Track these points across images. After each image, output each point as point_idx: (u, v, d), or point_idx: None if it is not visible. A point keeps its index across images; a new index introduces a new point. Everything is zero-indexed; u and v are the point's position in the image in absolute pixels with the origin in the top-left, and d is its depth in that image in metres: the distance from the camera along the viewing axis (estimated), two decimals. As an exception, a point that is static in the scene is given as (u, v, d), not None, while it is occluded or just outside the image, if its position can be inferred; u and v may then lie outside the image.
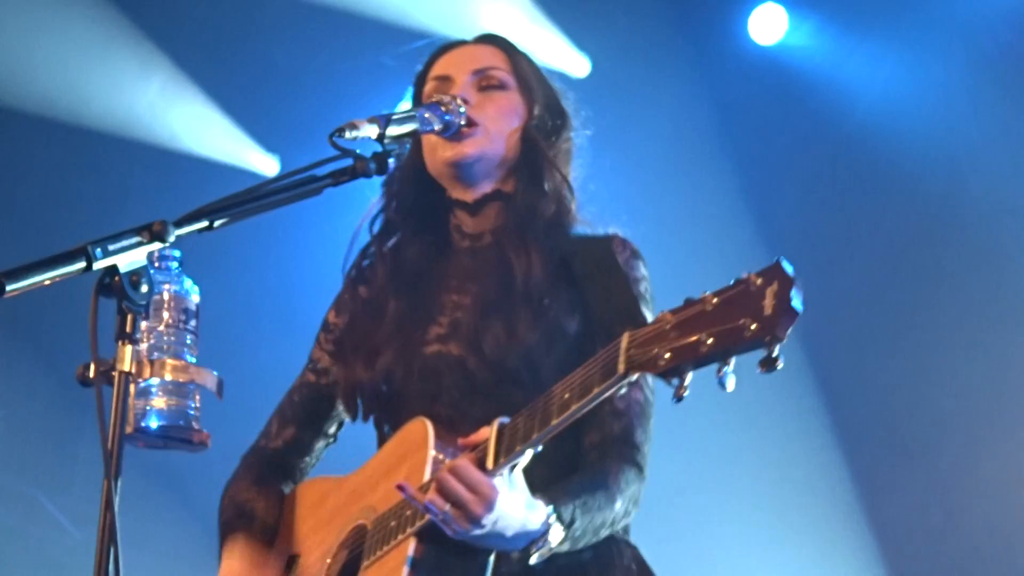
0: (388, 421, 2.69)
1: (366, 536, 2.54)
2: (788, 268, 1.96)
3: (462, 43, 2.87)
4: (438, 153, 2.71)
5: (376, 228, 2.84)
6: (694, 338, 2.00)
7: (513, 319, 2.59)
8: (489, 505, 2.26)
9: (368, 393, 2.70)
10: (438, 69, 2.80)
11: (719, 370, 1.99)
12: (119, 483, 2.00)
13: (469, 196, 2.74)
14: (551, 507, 2.36)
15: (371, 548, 2.49)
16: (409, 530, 2.40)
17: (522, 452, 2.27)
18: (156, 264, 2.30)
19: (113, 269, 2.06)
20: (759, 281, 1.96)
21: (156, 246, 2.11)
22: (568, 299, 2.63)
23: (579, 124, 2.86)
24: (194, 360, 2.29)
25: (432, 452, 2.44)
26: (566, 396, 2.21)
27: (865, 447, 6.00)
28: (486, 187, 2.73)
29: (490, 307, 2.61)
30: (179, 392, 2.24)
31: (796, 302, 1.93)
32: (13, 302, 2.03)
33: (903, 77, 6.05)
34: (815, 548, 5.95)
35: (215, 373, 2.28)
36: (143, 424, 2.23)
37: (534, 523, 2.33)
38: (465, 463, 2.29)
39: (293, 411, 2.87)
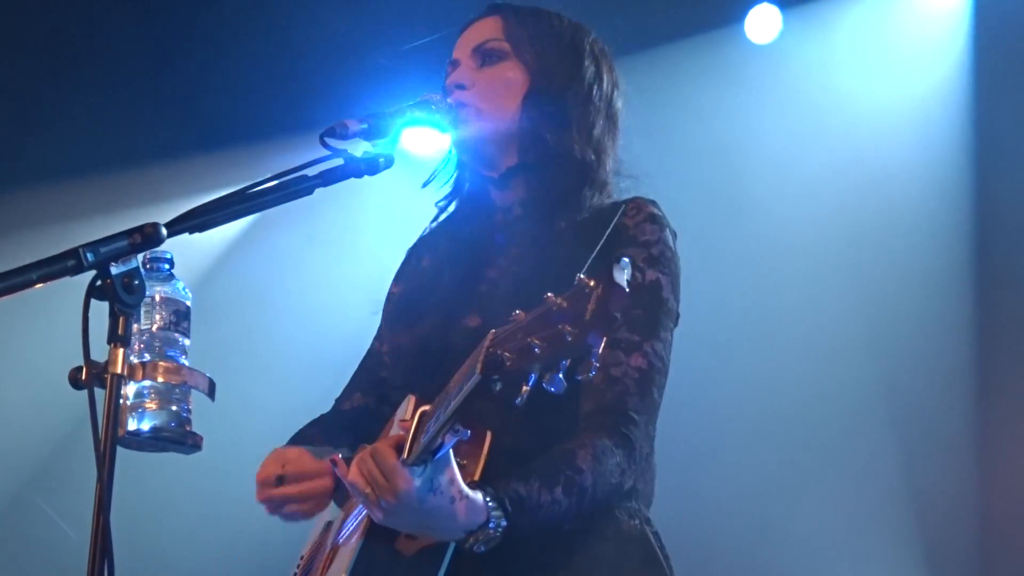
0: (419, 389, 2.62)
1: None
2: (618, 275, 1.90)
3: (472, 21, 2.86)
4: (455, 132, 2.73)
5: (440, 204, 2.89)
6: (530, 341, 1.94)
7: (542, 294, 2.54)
8: (396, 494, 2.20)
9: (407, 358, 2.70)
10: (453, 54, 2.83)
11: (543, 377, 1.94)
12: (112, 485, 2.01)
13: (495, 172, 2.77)
14: (488, 499, 2.28)
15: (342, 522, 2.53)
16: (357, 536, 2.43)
17: (427, 447, 2.18)
18: (147, 266, 2.30)
19: (105, 271, 2.06)
20: (591, 284, 1.91)
21: (147, 248, 2.12)
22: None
23: (597, 66, 2.80)
24: (186, 362, 2.29)
25: (396, 424, 2.44)
26: (450, 390, 2.14)
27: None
28: (509, 161, 2.74)
29: (521, 282, 2.58)
30: (171, 394, 2.24)
31: (614, 307, 1.87)
32: (4, 304, 2.04)
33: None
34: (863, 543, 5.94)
35: (207, 375, 2.28)
36: (135, 426, 2.23)
37: (471, 518, 2.26)
38: (384, 447, 2.24)
39: (359, 378, 2.92)
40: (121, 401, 2.08)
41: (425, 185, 2.89)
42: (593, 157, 2.71)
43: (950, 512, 5.82)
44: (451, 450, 2.22)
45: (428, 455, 2.20)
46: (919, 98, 6.03)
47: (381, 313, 2.94)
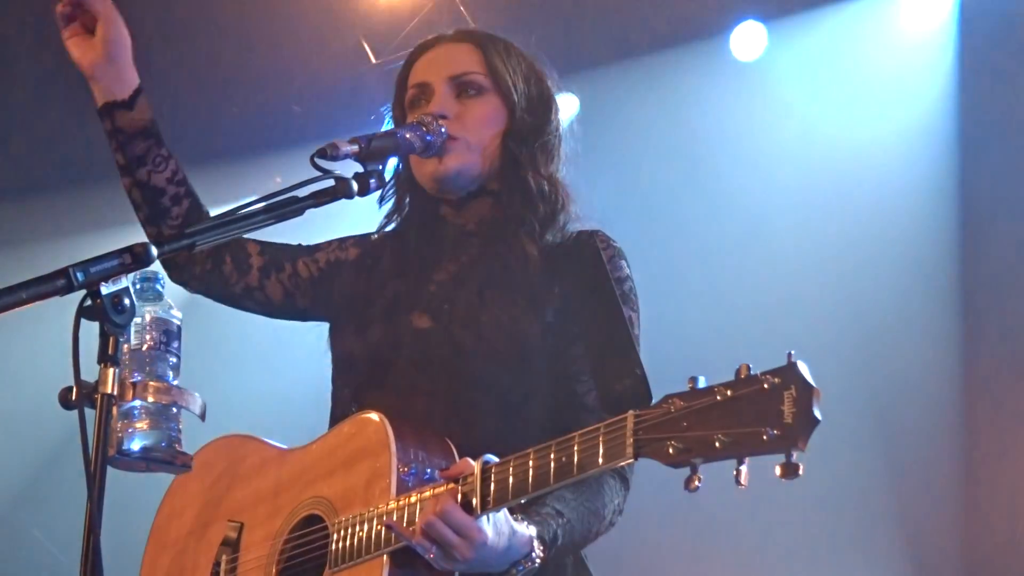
0: (366, 394, 2.66)
1: (323, 534, 2.51)
2: (805, 373, 1.93)
3: (439, 40, 2.86)
4: (421, 168, 2.74)
5: (382, 208, 2.88)
6: (707, 435, 1.96)
7: (507, 304, 2.62)
8: (477, 548, 2.29)
9: (359, 361, 2.71)
10: (417, 74, 2.81)
11: (735, 469, 1.96)
12: (103, 505, 2.01)
13: (454, 196, 2.77)
14: (534, 531, 2.39)
15: (337, 556, 2.46)
16: (384, 548, 2.39)
17: (505, 503, 2.28)
18: (138, 286, 2.30)
19: (95, 291, 2.06)
20: (776, 382, 1.93)
21: (137, 268, 2.13)
22: (554, 294, 2.64)
23: (562, 108, 2.86)
24: (177, 382, 2.29)
25: (395, 461, 2.42)
26: (563, 461, 2.19)
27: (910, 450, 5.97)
28: (472, 186, 2.75)
29: (483, 291, 2.64)
30: (162, 414, 2.24)
31: (816, 411, 1.90)
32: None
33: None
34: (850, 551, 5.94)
35: (197, 395, 2.28)
36: (126, 446, 2.22)
37: (517, 550, 2.36)
38: (452, 507, 2.28)
39: (273, 249, 2.89)
40: (111, 421, 2.08)
41: (381, 204, 2.88)
42: (555, 188, 2.76)
43: (935, 514, 5.83)
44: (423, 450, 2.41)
45: (492, 510, 2.30)
46: (903, 116, 6.06)
47: (324, 244, 2.93)
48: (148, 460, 2.24)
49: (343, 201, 2.39)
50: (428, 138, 2.59)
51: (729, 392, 1.97)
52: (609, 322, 2.48)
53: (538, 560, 2.39)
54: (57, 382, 2.10)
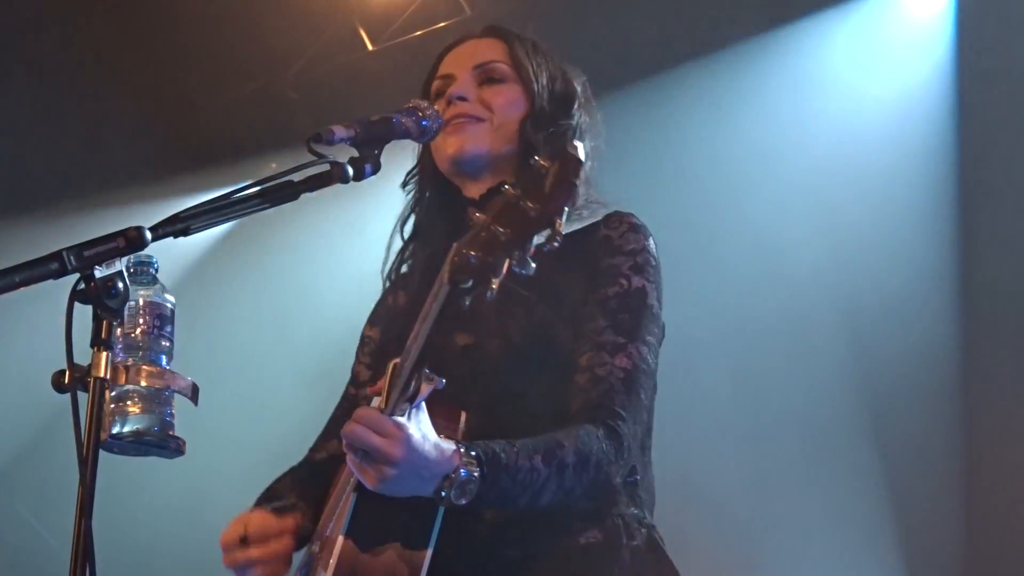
0: None
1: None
2: (575, 149, 1.96)
3: (467, 37, 2.90)
4: (442, 150, 2.76)
5: (407, 232, 2.88)
6: (496, 233, 1.97)
7: (533, 309, 2.58)
8: (402, 444, 2.19)
9: None
10: (443, 68, 2.85)
11: (513, 260, 1.96)
12: (95, 489, 2.01)
13: (476, 191, 2.78)
14: (457, 446, 2.28)
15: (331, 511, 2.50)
16: (349, 488, 2.39)
17: (405, 384, 2.19)
18: (131, 270, 2.29)
19: (88, 275, 2.06)
20: (545, 162, 1.97)
21: (131, 252, 2.12)
22: (571, 283, 2.62)
23: (587, 107, 2.86)
24: (170, 366, 2.29)
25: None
26: (420, 319, 2.16)
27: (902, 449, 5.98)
28: (491, 181, 2.76)
29: (506, 299, 2.51)
30: (155, 398, 2.23)
31: (575, 177, 1.95)
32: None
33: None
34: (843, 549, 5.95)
35: (190, 379, 2.27)
36: (118, 430, 2.22)
37: (443, 460, 2.25)
38: (367, 409, 2.25)
39: (336, 424, 2.86)
40: (104, 405, 2.08)
41: (404, 186, 2.89)
42: (587, 178, 2.73)
43: (931, 513, 5.84)
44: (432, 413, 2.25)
45: (406, 403, 2.21)
46: (902, 103, 6.06)
47: (358, 359, 2.93)
48: (141, 444, 2.23)
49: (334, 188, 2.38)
50: (423, 123, 2.57)
51: (513, 187, 1.99)
52: (609, 288, 2.55)
53: (471, 477, 2.25)
54: (50, 365, 2.10)
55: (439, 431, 2.31)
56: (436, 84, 2.84)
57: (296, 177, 2.35)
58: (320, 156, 2.35)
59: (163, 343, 2.29)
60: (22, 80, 6.47)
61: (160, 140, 7.05)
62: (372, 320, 2.94)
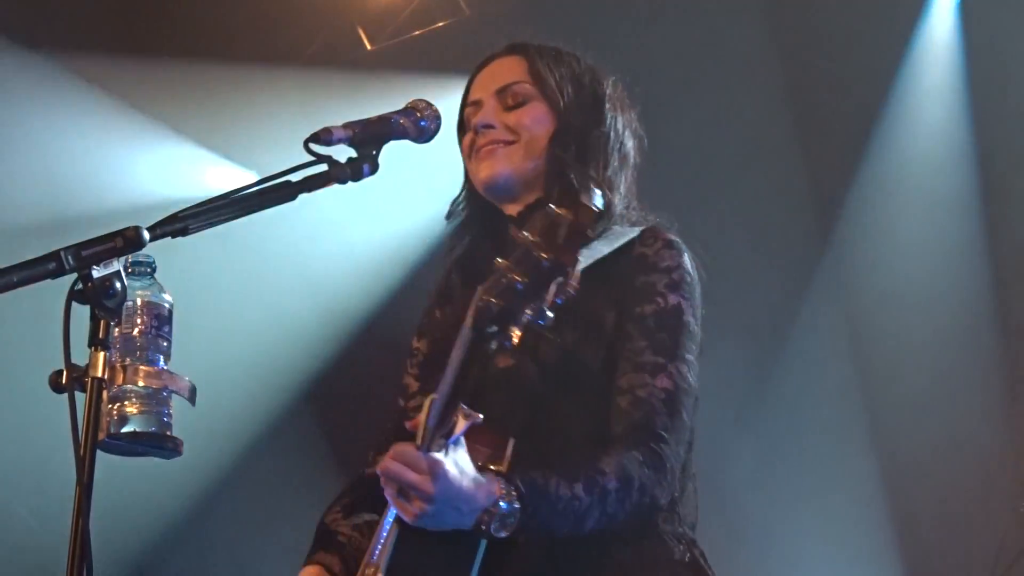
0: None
1: None
2: (590, 200, 2.03)
3: (491, 58, 2.89)
4: (476, 176, 2.78)
5: (455, 253, 2.89)
6: (511, 279, 2.03)
7: (570, 335, 2.56)
8: (438, 480, 2.20)
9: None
10: (471, 94, 2.86)
11: (532, 311, 2.04)
12: (92, 489, 2.01)
13: (514, 210, 2.79)
14: (499, 477, 2.29)
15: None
16: (391, 519, 2.39)
17: (440, 421, 2.21)
18: (129, 270, 2.29)
19: (86, 275, 2.06)
20: (558, 211, 2.03)
21: (129, 252, 2.12)
22: (606, 299, 2.61)
23: (615, 109, 2.83)
24: (167, 366, 2.29)
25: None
26: (452, 360, 2.20)
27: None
28: (529, 198, 2.77)
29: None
30: (152, 398, 2.23)
31: (589, 226, 2.02)
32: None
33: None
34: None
35: (188, 379, 2.27)
36: (115, 430, 2.21)
37: (482, 494, 2.25)
38: (403, 445, 2.26)
39: (386, 437, 2.81)
40: (101, 405, 2.08)
41: (449, 218, 2.91)
42: (608, 196, 2.72)
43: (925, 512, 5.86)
44: (464, 439, 2.26)
45: (442, 439, 2.23)
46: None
47: (404, 371, 2.94)
48: (138, 444, 2.23)
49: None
50: (422, 123, 2.57)
51: (531, 233, 2.05)
52: (645, 306, 2.55)
53: (512, 510, 2.27)
54: (48, 365, 2.10)
55: (486, 459, 2.34)
56: (467, 111, 2.86)
57: (294, 177, 2.35)
58: (318, 156, 2.35)
59: (161, 343, 2.29)
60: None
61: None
62: (419, 332, 2.94)
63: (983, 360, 5.99)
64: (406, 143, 2.51)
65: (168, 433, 2.24)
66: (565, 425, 2.49)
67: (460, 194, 2.90)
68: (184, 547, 6.58)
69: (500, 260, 2.07)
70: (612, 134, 2.80)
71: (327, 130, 2.38)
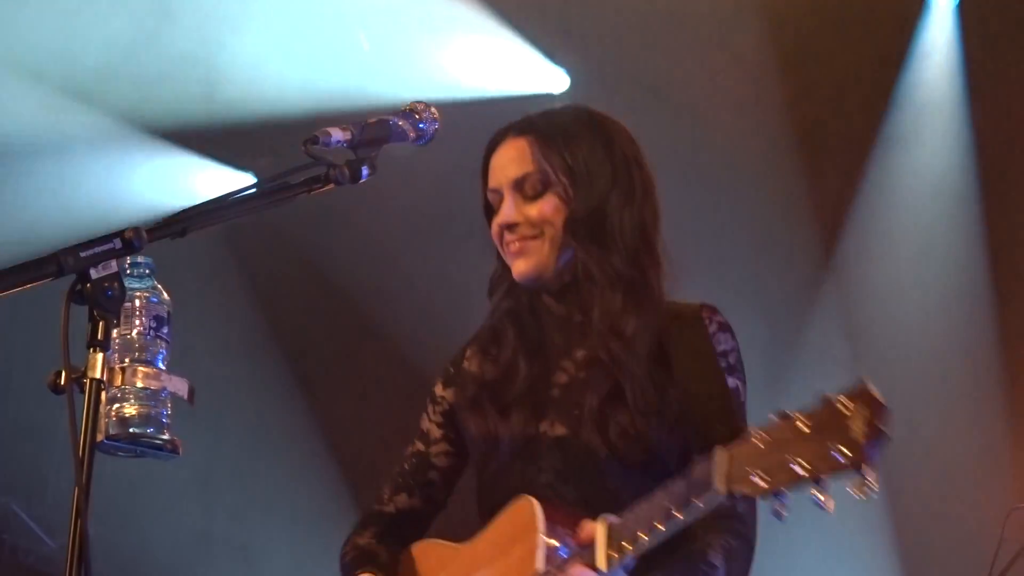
0: (499, 481, 2.79)
1: None
2: (875, 391, 2.08)
3: (504, 136, 2.90)
4: (511, 267, 2.83)
5: (495, 298, 2.95)
6: (788, 462, 2.11)
7: (636, 410, 2.69)
8: None
9: (504, 445, 2.80)
10: (491, 178, 2.88)
11: (815, 493, 2.11)
12: (91, 490, 2.01)
13: (553, 286, 2.84)
14: None
15: None
16: None
17: (629, 555, 2.39)
18: (128, 271, 2.29)
19: (85, 276, 2.06)
20: (848, 404, 2.08)
21: (128, 253, 2.12)
22: (666, 376, 2.73)
23: (628, 168, 2.86)
24: (165, 367, 2.29)
25: (542, 538, 2.54)
26: (667, 505, 2.34)
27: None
28: (566, 277, 2.82)
29: (607, 398, 2.72)
30: (151, 399, 2.23)
31: (885, 429, 2.06)
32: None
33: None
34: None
35: (187, 380, 2.27)
36: (114, 432, 2.22)
37: None
38: (579, 568, 2.43)
39: (404, 479, 2.98)
40: (100, 406, 2.08)
41: (491, 296, 2.96)
42: (639, 262, 2.81)
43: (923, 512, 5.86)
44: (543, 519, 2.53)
45: (619, 567, 2.42)
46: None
47: (423, 416, 3.01)
48: (137, 445, 2.23)
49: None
50: (421, 125, 2.57)
51: (807, 419, 2.12)
52: (710, 389, 2.68)
53: None
54: (46, 366, 2.10)
55: (560, 535, 2.53)
56: (490, 196, 2.89)
57: (293, 179, 2.35)
58: (316, 158, 2.35)
59: (160, 344, 2.29)
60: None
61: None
62: (445, 381, 2.99)
63: (981, 363, 5.99)
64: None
65: (166, 434, 2.25)
66: (628, 501, 2.52)
67: (497, 270, 2.94)
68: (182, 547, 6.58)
69: (756, 430, 2.19)
70: (632, 196, 2.84)
71: (325, 132, 2.38)
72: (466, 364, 2.95)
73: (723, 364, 2.73)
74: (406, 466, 2.99)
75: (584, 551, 2.47)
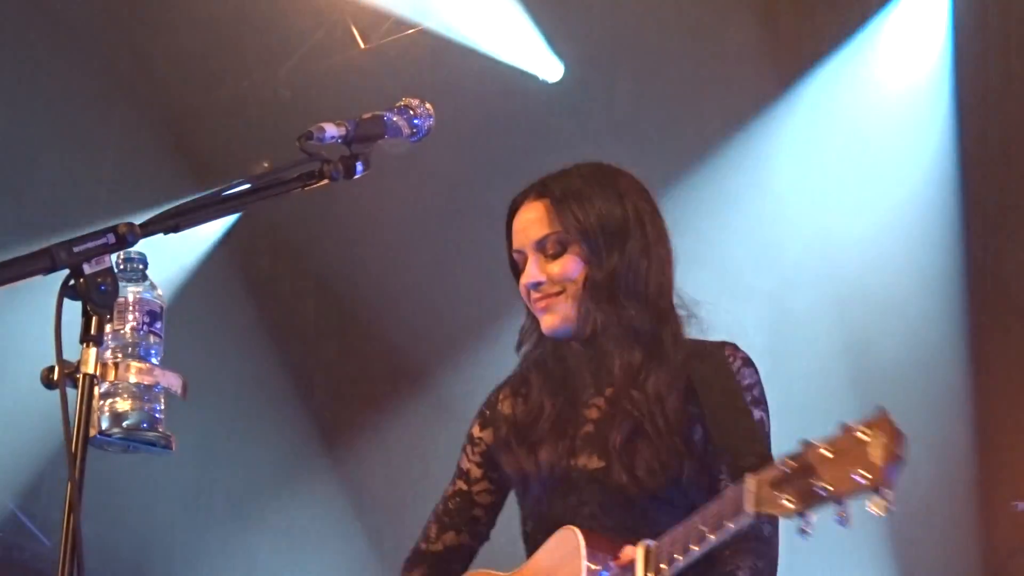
0: (541, 512, 2.95)
1: None
2: (893, 422, 2.27)
3: (525, 198, 3.04)
4: (540, 321, 2.99)
5: (523, 348, 3.11)
6: (814, 485, 2.30)
7: (659, 446, 2.86)
8: None
9: (534, 485, 2.97)
10: (515, 241, 3.04)
11: (838, 511, 2.30)
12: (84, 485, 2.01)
13: (579, 336, 2.99)
14: None
15: None
16: None
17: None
18: (121, 267, 2.29)
19: (78, 271, 2.06)
20: (868, 432, 2.27)
21: (121, 248, 2.12)
22: (693, 414, 2.88)
23: (640, 219, 2.99)
24: (158, 362, 2.28)
25: (585, 563, 2.72)
26: (701, 528, 2.52)
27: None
28: (588, 329, 2.96)
29: (634, 435, 2.88)
30: (144, 394, 2.22)
31: (903, 453, 2.26)
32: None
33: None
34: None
35: (180, 375, 2.27)
36: (107, 426, 2.21)
37: None
38: None
39: (450, 517, 3.16)
40: (93, 401, 2.08)
41: (519, 349, 3.11)
42: (655, 313, 2.96)
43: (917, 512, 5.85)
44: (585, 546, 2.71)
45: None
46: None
47: (463, 456, 3.17)
48: (129, 440, 2.23)
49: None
50: (415, 121, 2.58)
51: (830, 446, 2.31)
52: (738, 421, 2.81)
53: None
54: (41, 361, 2.09)
55: (602, 560, 2.70)
56: (515, 256, 3.05)
57: (287, 175, 2.35)
58: (311, 154, 2.35)
59: (153, 339, 2.28)
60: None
61: (152, 140, 7.04)
62: (482, 423, 3.16)
63: (967, 362, 6.00)
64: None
65: (160, 429, 2.24)
66: (661, 527, 2.68)
67: (526, 323, 3.10)
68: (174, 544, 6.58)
69: (785, 458, 2.37)
70: (645, 246, 2.98)
71: (320, 127, 2.38)
72: (500, 407, 3.11)
73: (748, 398, 2.88)
74: (450, 505, 3.16)
75: (624, 573, 2.65)
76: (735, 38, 6.35)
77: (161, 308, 2.32)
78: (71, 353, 2.07)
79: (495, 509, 3.15)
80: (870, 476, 2.24)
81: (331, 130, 2.40)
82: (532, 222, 3.00)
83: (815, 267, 6.18)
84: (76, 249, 2.06)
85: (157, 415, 2.24)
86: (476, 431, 3.16)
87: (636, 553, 2.64)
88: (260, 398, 6.88)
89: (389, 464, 6.88)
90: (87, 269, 2.06)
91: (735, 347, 2.97)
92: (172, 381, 2.25)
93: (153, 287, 2.33)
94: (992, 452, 5.84)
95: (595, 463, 2.89)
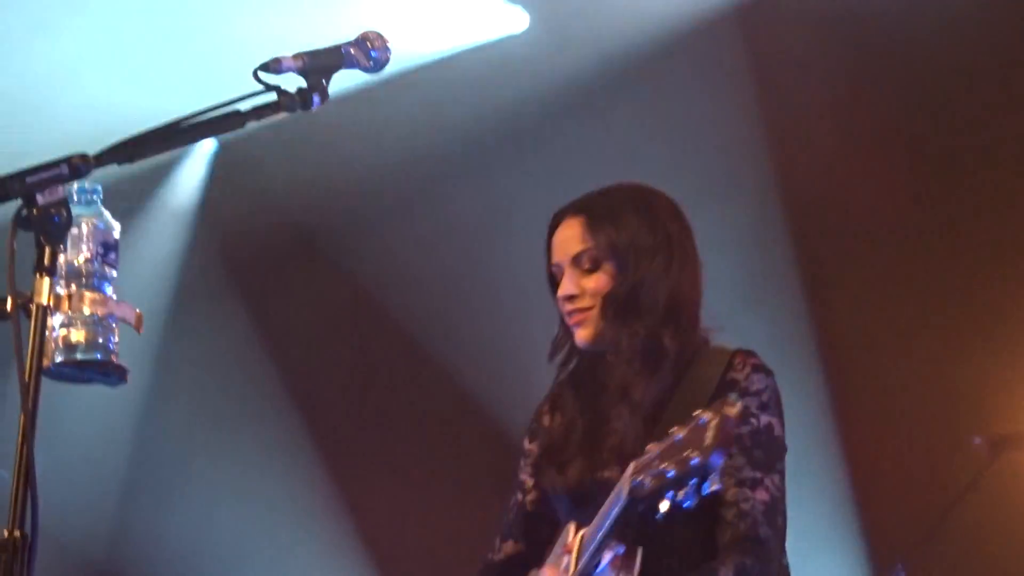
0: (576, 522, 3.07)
1: None
2: (731, 407, 2.48)
3: (563, 215, 3.19)
4: (574, 335, 3.12)
5: (559, 361, 3.24)
6: (662, 467, 2.52)
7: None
8: None
9: (563, 499, 3.13)
10: (553, 256, 3.19)
11: (678, 494, 2.50)
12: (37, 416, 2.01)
13: (611, 349, 3.11)
14: None
15: None
16: None
17: (588, 564, 2.76)
18: (75, 197, 2.28)
19: (31, 201, 2.05)
20: (706, 416, 2.50)
21: (75, 179, 2.11)
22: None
23: (669, 239, 3.12)
24: (113, 294, 2.28)
25: (559, 547, 2.97)
26: (602, 514, 2.74)
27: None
28: (620, 335, 3.08)
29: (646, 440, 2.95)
30: (98, 325, 2.22)
31: (728, 437, 2.47)
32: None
33: None
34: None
35: (134, 307, 2.26)
36: (61, 358, 2.21)
37: None
38: (554, 571, 2.89)
39: (510, 528, 3.32)
40: (47, 332, 2.07)
41: (551, 359, 3.25)
42: (662, 328, 3.06)
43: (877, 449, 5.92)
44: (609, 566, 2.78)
45: (592, 570, 2.76)
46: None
47: (520, 469, 3.34)
48: (83, 371, 2.23)
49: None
50: (373, 53, 2.57)
51: (681, 431, 2.53)
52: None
53: None
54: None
55: (617, 569, 2.79)
56: (552, 269, 3.20)
57: (243, 107, 2.34)
58: (267, 86, 2.34)
59: (107, 270, 2.28)
60: None
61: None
62: (531, 435, 3.35)
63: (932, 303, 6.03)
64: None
65: (114, 360, 2.25)
66: (674, 540, 2.87)
67: (559, 334, 3.22)
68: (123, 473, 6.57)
69: (653, 445, 2.58)
70: (676, 262, 3.11)
71: (276, 60, 2.38)
72: (543, 419, 3.30)
73: (756, 402, 2.98)
74: (510, 516, 3.33)
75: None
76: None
77: (116, 239, 2.31)
78: (24, 284, 2.06)
79: (550, 517, 3.25)
80: (699, 456, 2.45)
81: (288, 62, 2.39)
82: (568, 238, 3.15)
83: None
84: (29, 179, 2.05)
85: (111, 346, 2.24)
86: (527, 444, 3.34)
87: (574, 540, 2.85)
88: (249, 392, 6.81)
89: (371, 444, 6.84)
90: (40, 200, 2.05)
91: (748, 354, 3.06)
92: (126, 312, 2.25)
93: (108, 218, 2.32)
94: (949, 385, 5.87)
95: (618, 475, 2.91)
